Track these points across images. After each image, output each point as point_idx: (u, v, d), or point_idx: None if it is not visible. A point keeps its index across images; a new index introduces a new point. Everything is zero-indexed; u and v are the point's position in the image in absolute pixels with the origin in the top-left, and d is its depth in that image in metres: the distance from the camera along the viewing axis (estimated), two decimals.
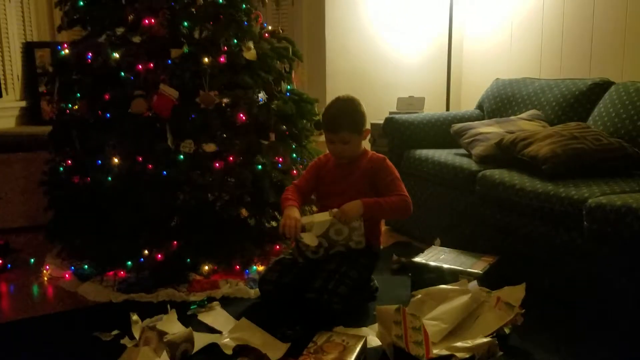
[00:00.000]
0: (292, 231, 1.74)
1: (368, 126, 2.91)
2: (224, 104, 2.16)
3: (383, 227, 2.83)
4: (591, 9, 2.91)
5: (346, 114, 1.82)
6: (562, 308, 1.86)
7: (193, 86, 2.10)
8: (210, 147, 2.12)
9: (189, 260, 2.09)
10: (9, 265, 2.36)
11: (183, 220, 2.10)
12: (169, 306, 1.83)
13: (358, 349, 1.50)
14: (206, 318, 1.80)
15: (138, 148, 2.08)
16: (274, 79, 2.30)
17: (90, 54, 2.17)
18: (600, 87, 2.50)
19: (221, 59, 2.12)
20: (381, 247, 2.03)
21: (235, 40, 2.19)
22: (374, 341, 1.60)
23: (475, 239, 2.30)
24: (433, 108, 3.67)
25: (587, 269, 1.81)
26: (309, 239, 1.76)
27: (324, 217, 1.79)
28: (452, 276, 1.93)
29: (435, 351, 1.52)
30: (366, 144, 3.54)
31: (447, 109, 3.59)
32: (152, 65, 2.10)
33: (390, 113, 3.33)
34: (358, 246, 1.82)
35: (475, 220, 2.31)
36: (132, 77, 2.12)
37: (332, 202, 1.85)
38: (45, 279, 2.21)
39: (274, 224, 2.31)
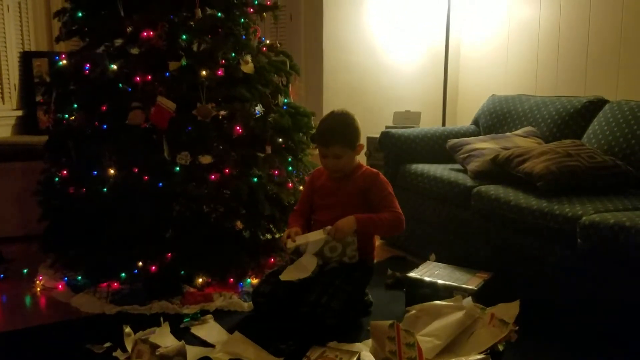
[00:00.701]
0: (284, 240, 1.77)
1: (363, 141, 2.93)
2: (220, 117, 2.16)
3: (377, 241, 2.82)
4: (586, 28, 2.95)
5: (339, 128, 1.83)
6: (557, 325, 1.86)
7: (190, 98, 2.11)
8: (206, 159, 2.12)
9: (183, 272, 2.09)
10: (2, 275, 2.34)
11: (178, 232, 2.10)
12: (162, 319, 1.82)
13: None
14: (199, 331, 1.80)
15: (134, 159, 2.08)
16: (271, 92, 2.31)
17: (88, 64, 2.18)
18: (595, 105, 2.52)
19: (219, 72, 2.13)
20: (375, 261, 2.03)
21: (233, 54, 2.20)
22: (367, 357, 1.59)
23: (470, 254, 2.30)
24: (429, 123, 3.68)
25: (581, 286, 1.81)
26: (308, 262, 1.75)
27: (317, 235, 1.78)
28: (446, 292, 1.92)
29: None
30: (362, 158, 3.54)
31: (443, 124, 3.60)
32: (150, 77, 2.11)
33: (387, 127, 3.33)
34: (352, 260, 1.82)
35: (470, 236, 2.31)
36: (130, 89, 2.13)
37: (324, 215, 1.86)
38: (38, 289, 2.19)
39: (268, 236, 2.31)
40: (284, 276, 1.76)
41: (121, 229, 2.02)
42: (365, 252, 1.90)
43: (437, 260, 2.25)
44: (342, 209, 1.84)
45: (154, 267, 2.07)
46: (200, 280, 2.10)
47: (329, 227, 1.76)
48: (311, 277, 1.76)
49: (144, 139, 2.10)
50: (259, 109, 2.26)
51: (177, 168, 2.08)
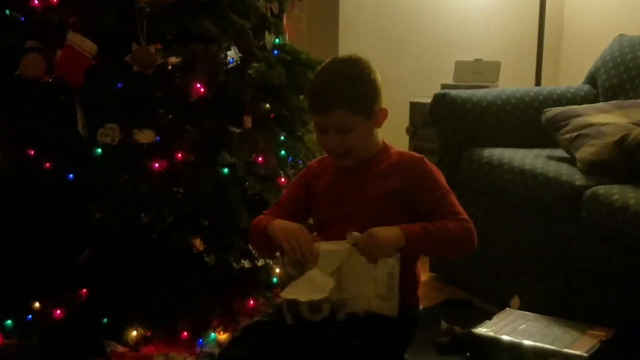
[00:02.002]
0: (309, 250, 1.73)
1: (402, 106, 2.86)
2: (170, 67, 2.17)
3: (423, 274, 2.81)
4: None
5: (343, 82, 1.79)
6: None
7: (121, 36, 2.12)
8: (146, 136, 2.12)
9: (105, 320, 2.10)
10: None
11: (98, 255, 2.12)
12: None
13: None
14: None
15: (29, 135, 2.09)
16: (254, 27, 2.33)
17: None
18: None
19: None
20: (421, 307, 1.99)
21: None
22: None
23: (579, 298, 2.29)
24: (514, 81, 3.65)
25: None
26: (322, 280, 1.74)
27: (336, 245, 1.77)
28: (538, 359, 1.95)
29: None
30: (397, 137, 3.50)
31: (538, 82, 3.59)
32: (55, 0, 2.12)
33: (444, 86, 3.32)
34: (386, 309, 1.78)
35: (579, 268, 2.29)
36: (23, 18, 2.14)
37: (331, 233, 1.83)
38: None
39: (245, 264, 2.32)
40: (287, 293, 1.74)
41: (5, 248, 2.04)
42: (404, 292, 1.87)
43: (524, 307, 2.25)
44: (361, 221, 1.80)
45: (58, 311, 2.07)
46: (134, 333, 2.11)
47: (356, 233, 1.74)
48: (322, 316, 1.74)
49: (44, 101, 2.11)
50: (232, 54, 2.27)
51: (99, 150, 2.09)
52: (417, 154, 1.90)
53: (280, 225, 1.81)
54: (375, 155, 1.87)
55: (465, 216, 1.82)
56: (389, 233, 1.74)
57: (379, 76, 1.83)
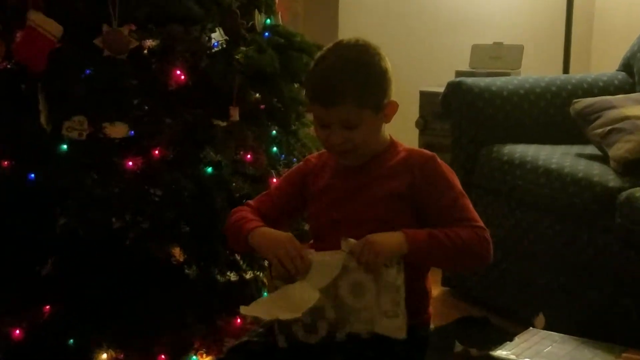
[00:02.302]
0: (299, 262, 1.73)
1: (412, 96, 2.82)
2: (146, 51, 2.17)
3: (435, 288, 2.75)
4: None
5: (349, 71, 1.79)
6: None
7: (90, 16, 2.12)
8: (118, 131, 2.12)
9: (71, 340, 2.09)
10: None
11: (63, 266, 2.11)
12: None
13: None
14: None
15: None
16: (241, 6, 2.33)
17: None
18: None
19: None
20: (432, 326, 1.98)
21: None
22: None
23: (612, 316, 2.30)
24: (538, 68, 3.66)
25: None
26: (303, 293, 1.72)
27: (331, 255, 1.76)
28: None
29: None
30: (405, 132, 3.50)
31: (566, 69, 3.60)
32: None
33: (458, 73, 3.32)
34: (392, 329, 1.76)
35: (612, 282, 2.30)
36: None
37: (329, 240, 1.82)
38: None
39: (232, 276, 2.31)
40: (249, 309, 1.76)
41: None
42: (412, 307, 1.85)
43: (549, 326, 2.24)
44: (365, 226, 1.80)
45: (17, 331, 2.07)
46: (104, 356, 2.10)
47: (352, 241, 1.73)
48: (319, 338, 1.74)
49: (1, 90, 2.12)
50: (217, 36, 2.27)
51: (64, 146, 2.09)
52: (427, 152, 1.90)
53: (265, 234, 1.80)
54: (381, 153, 1.87)
55: (481, 224, 1.82)
56: (390, 239, 1.75)
57: (389, 64, 1.83)
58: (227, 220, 1.93)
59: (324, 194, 1.90)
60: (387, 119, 1.84)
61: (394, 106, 1.82)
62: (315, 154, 2.01)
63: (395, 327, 1.75)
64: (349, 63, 1.80)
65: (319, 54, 1.87)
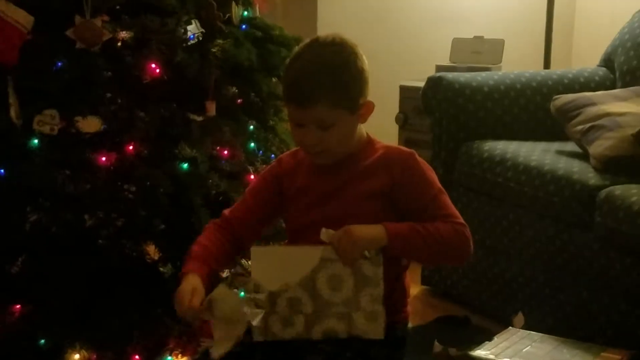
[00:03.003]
0: (186, 309, 1.75)
1: (391, 92, 2.82)
2: (120, 43, 2.16)
3: (414, 287, 2.82)
4: None
5: (326, 72, 1.79)
6: None
7: (62, 7, 2.11)
8: (91, 125, 2.10)
9: (42, 341, 2.08)
10: None
11: (33, 264, 2.10)
12: None
13: None
14: None
15: None
16: None
17: None
18: None
19: None
20: (410, 325, 1.99)
21: None
22: None
23: (591, 315, 2.31)
24: (519, 63, 3.67)
25: None
26: (232, 314, 1.75)
27: (307, 248, 1.78)
28: None
29: None
30: (386, 129, 3.49)
31: (547, 64, 3.62)
32: None
33: (439, 68, 3.32)
34: (369, 329, 1.77)
35: (592, 280, 2.32)
36: None
37: (309, 241, 1.82)
38: None
39: None
40: (217, 349, 1.76)
41: None
42: (392, 307, 1.85)
43: (529, 325, 2.25)
44: (342, 227, 1.79)
45: None
46: (77, 356, 2.09)
47: (331, 231, 1.75)
48: (296, 333, 1.76)
49: None
50: (193, 29, 2.25)
51: (35, 141, 2.07)
52: (406, 149, 1.92)
53: (180, 287, 1.81)
54: (357, 152, 1.87)
55: (461, 220, 1.84)
56: (369, 229, 1.76)
57: (366, 63, 1.83)
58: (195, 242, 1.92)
59: (300, 194, 1.90)
60: (363, 119, 1.85)
61: (370, 106, 1.83)
62: (288, 152, 2.02)
63: (372, 327, 1.77)
64: (325, 63, 1.79)
65: (294, 51, 1.87)
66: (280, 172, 1.94)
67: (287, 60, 1.88)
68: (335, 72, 1.78)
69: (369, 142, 1.89)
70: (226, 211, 1.95)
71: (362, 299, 1.76)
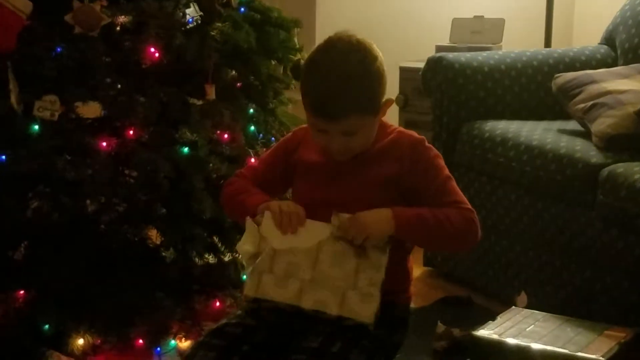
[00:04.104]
0: (295, 217, 1.78)
1: (393, 75, 2.85)
2: (118, 27, 2.16)
3: (417, 269, 2.76)
4: None
5: (353, 86, 1.77)
6: None
7: None
8: (91, 110, 2.12)
9: (47, 326, 2.09)
10: None
11: (36, 250, 2.11)
12: None
13: None
14: None
15: None
16: None
17: None
18: None
19: None
20: (413, 305, 1.98)
21: None
22: None
23: (594, 294, 2.31)
24: (519, 42, 3.66)
25: None
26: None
27: (320, 224, 1.78)
28: None
29: None
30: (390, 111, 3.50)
31: (548, 43, 3.60)
32: None
33: (439, 48, 3.32)
34: (361, 310, 1.75)
35: (595, 259, 2.32)
36: None
37: (314, 219, 1.82)
38: None
39: (210, 259, 2.31)
40: (243, 244, 1.77)
41: None
42: (394, 288, 1.87)
43: (532, 305, 2.27)
44: (354, 209, 1.80)
45: None
46: (81, 341, 2.10)
47: (344, 216, 1.76)
48: (290, 290, 1.76)
49: None
50: (192, 12, 2.25)
51: (36, 127, 2.07)
52: (416, 136, 1.89)
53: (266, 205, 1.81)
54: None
55: (469, 206, 1.83)
56: (379, 217, 1.76)
57: (382, 60, 1.83)
58: (224, 190, 1.92)
59: (309, 171, 1.90)
60: (383, 114, 1.85)
61: (390, 102, 1.83)
62: (304, 126, 2.00)
63: (364, 311, 1.75)
64: (348, 77, 1.75)
65: (311, 57, 1.83)
66: (292, 145, 1.94)
67: (304, 65, 1.86)
68: (361, 85, 1.76)
69: (381, 126, 1.89)
70: (243, 170, 1.97)
71: (361, 280, 1.76)
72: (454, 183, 1.86)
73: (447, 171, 1.87)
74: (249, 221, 1.80)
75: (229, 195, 1.91)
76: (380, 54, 1.83)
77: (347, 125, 1.80)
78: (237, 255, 2.35)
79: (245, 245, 1.78)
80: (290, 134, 2.02)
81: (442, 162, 1.89)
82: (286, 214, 1.78)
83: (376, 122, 1.88)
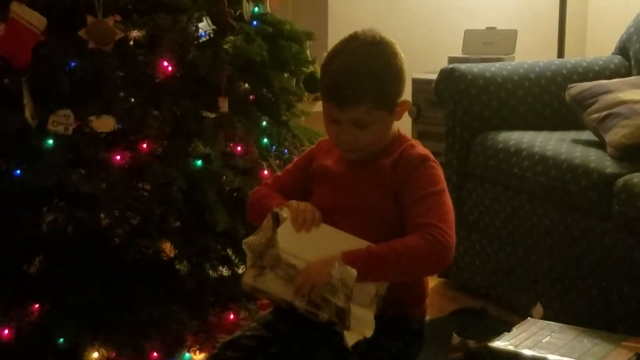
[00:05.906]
0: (310, 214, 1.80)
1: (408, 95, 2.84)
2: (132, 42, 2.17)
3: (431, 280, 2.80)
4: None
5: (369, 74, 1.79)
6: None
7: (74, 7, 2.12)
8: (105, 124, 2.12)
9: (61, 339, 2.09)
10: None
11: (51, 264, 2.11)
12: None
13: None
14: None
15: None
16: None
17: None
18: None
19: None
20: (428, 317, 1.99)
21: None
22: None
23: (612, 305, 2.30)
24: (533, 52, 3.67)
25: None
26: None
27: (334, 232, 1.80)
28: None
29: None
30: (405, 122, 3.56)
31: (561, 54, 3.61)
32: None
33: (451, 60, 3.33)
34: (348, 335, 1.73)
35: (611, 270, 2.31)
36: None
37: (334, 225, 1.84)
38: None
39: (224, 272, 2.32)
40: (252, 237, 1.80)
41: None
42: (407, 301, 1.88)
43: (548, 316, 2.24)
44: (362, 216, 1.83)
45: (6, 331, 2.07)
46: (96, 354, 2.11)
47: (349, 269, 1.72)
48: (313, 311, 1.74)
49: None
50: (205, 26, 2.26)
51: (50, 141, 2.08)
52: (420, 152, 1.87)
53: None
54: (386, 147, 1.88)
55: (443, 225, 1.76)
56: (325, 262, 1.74)
57: (404, 60, 1.83)
58: (250, 197, 1.95)
59: (325, 176, 1.91)
60: (399, 117, 1.85)
61: (407, 105, 1.84)
62: (326, 139, 2.00)
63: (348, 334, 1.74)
64: (365, 65, 1.78)
65: (333, 47, 1.85)
66: (314, 152, 1.96)
67: (326, 55, 1.86)
68: (378, 74, 1.78)
69: (398, 139, 1.89)
70: (268, 180, 2.00)
71: (358, 298, 1.74)
72: (440, 199, 1.81)
73: (437, 187, 1.82)
74: (267, 217, 1.81)
75: (253, 200, 1.93)
76: (401, 53, 1.84)
77: (358, 114, 1.80)
78: None
79: (253, 236, 1.80)
80: (315, 144, 2.03)
81: (436, 177, 1.84)
82: (302, 211, 1.80)
83: (389, 122, 1.88)
